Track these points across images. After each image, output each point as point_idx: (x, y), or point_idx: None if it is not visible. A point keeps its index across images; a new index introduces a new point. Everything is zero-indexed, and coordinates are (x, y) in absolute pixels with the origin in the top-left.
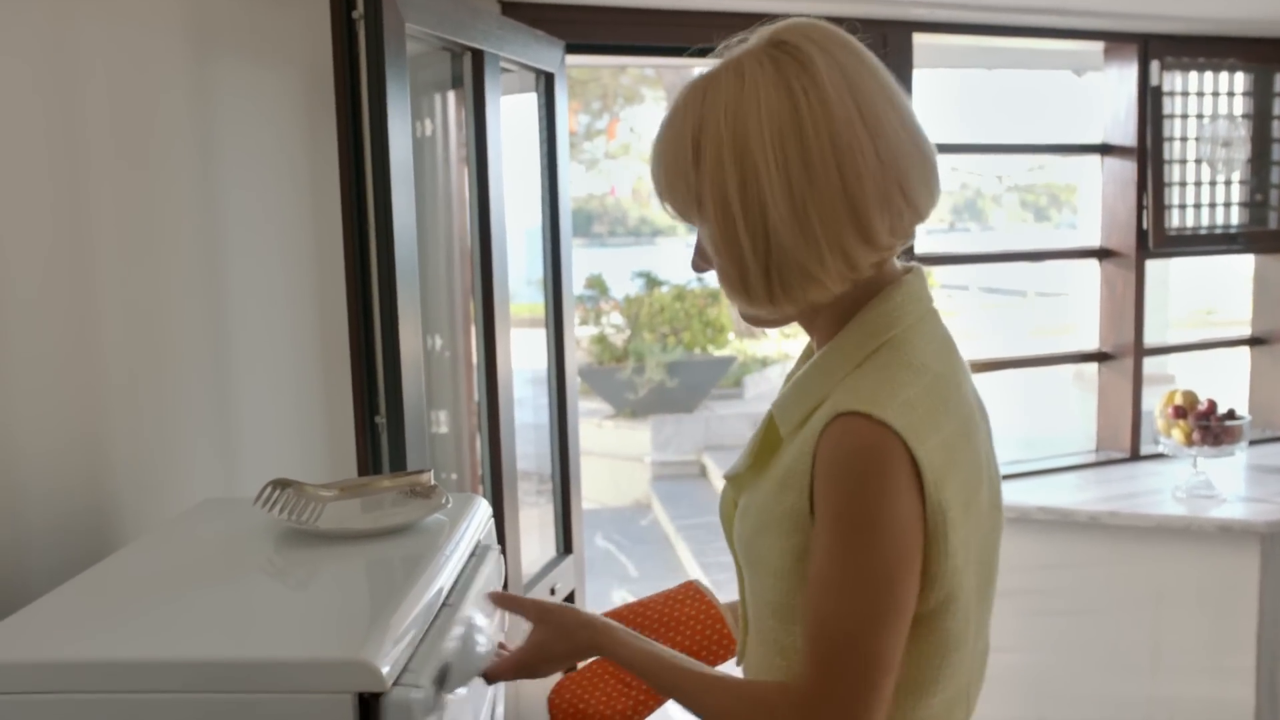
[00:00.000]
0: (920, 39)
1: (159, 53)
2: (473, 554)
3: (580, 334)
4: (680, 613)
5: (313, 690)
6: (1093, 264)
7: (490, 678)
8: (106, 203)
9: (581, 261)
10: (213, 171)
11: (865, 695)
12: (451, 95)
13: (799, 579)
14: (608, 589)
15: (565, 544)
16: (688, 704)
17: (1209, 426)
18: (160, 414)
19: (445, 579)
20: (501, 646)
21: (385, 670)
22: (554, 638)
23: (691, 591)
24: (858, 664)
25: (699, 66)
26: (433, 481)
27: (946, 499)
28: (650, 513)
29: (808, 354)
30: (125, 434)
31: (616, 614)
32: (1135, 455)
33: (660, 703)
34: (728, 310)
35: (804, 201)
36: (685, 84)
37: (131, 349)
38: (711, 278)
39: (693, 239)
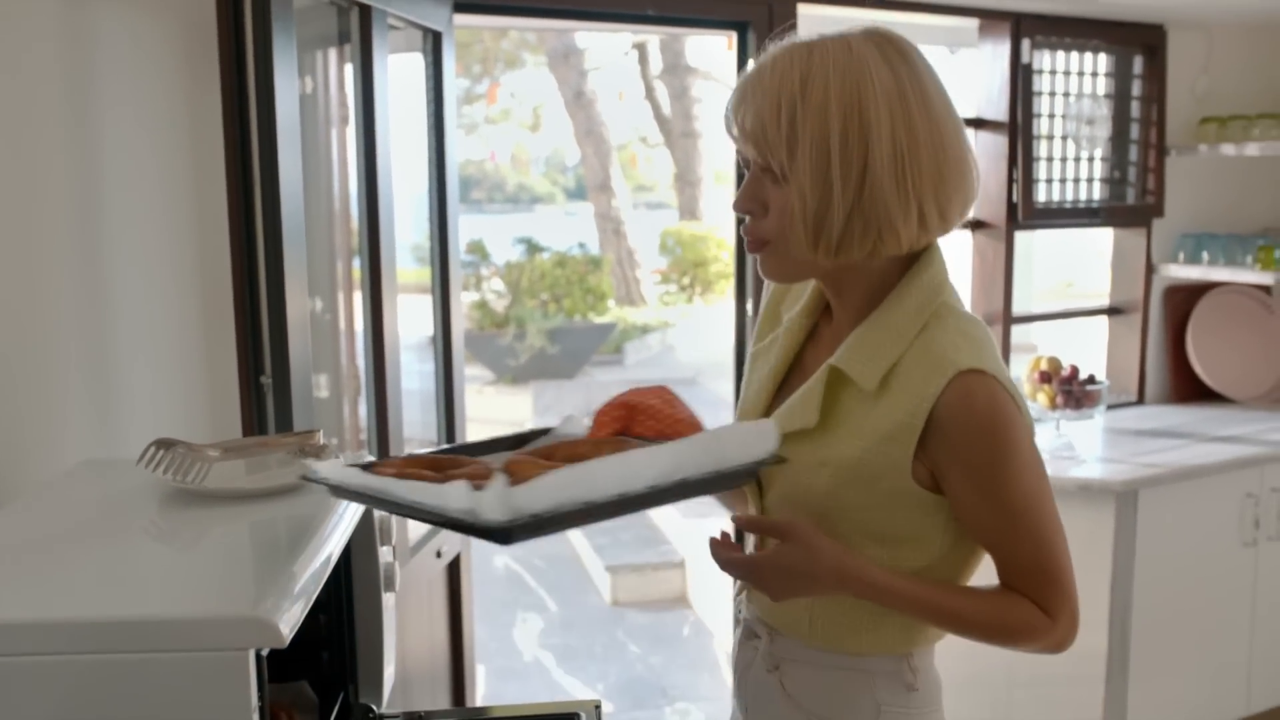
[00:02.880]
0: (803, 10)
1: (30, 2)
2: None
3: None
4: (678, 410)
5: (210, 648)
6: (963, 235)
7: (721, 560)
8: None
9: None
10: (87, 123)
11: (1072, 581)
12: (333, 53)
13: (885, 513)
14: (489, 554)
15: None
16: (953, 627)
17: (1071, 391)
18: (33, 374)
19: (339, 537)
20: (725, 536)
21: (285, 629)
22: (794, 549)
23: (673, 394)
24: (1064, 562)
25: (583, 30)
26: (323, 441)
27: (1033, 423)
28: None
29: (809, 313)
30: None
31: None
32: None
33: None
34: (610, 270)
35: (904, 161)
36: (783, 45)
37: (0, 305)
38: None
39: (572, 206)
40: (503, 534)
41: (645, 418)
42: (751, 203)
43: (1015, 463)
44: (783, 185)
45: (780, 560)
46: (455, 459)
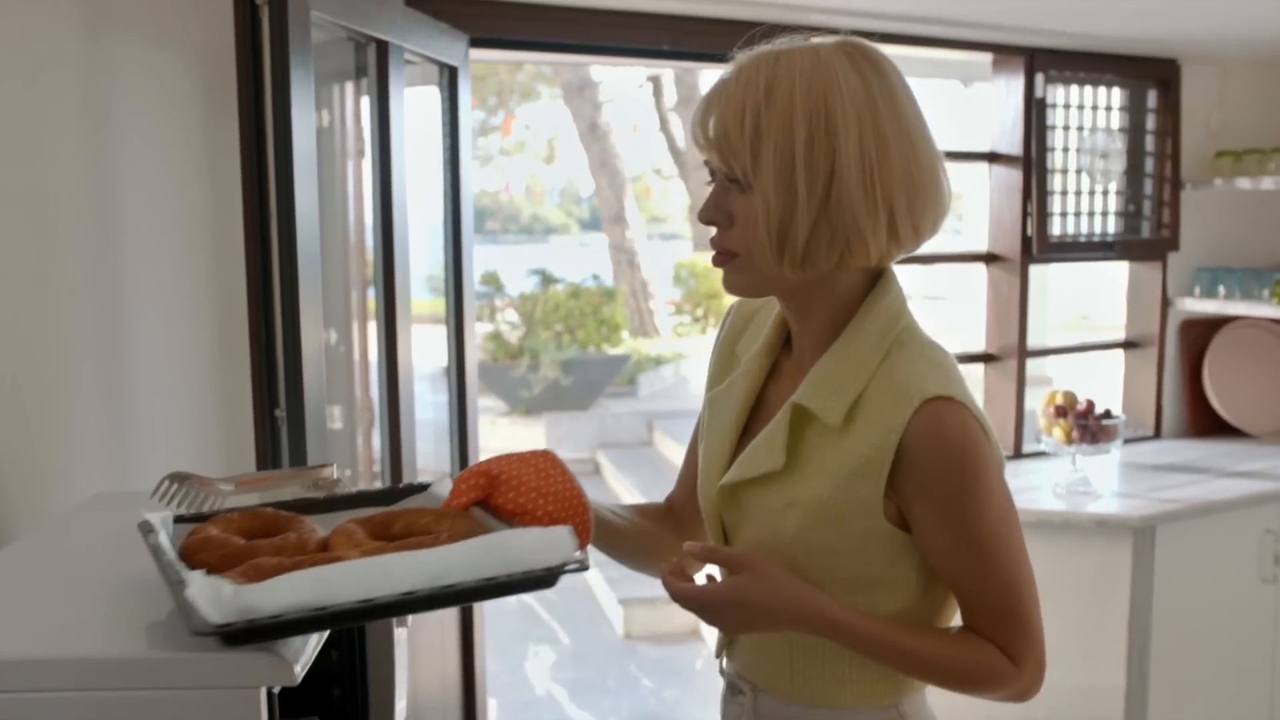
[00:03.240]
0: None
1: (50, 32)
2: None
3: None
4: (555, 488)
5: (222, 686)
6: (975, 269)
7: (673, 591)
8: None
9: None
10: (105, 156)
11: (1039, 622)
12: (349, 87)
13: (857, 556)
14: None
15: None
16: (915, 671)
17: (1087, 425)
18: (47, 407)
19: None
20: (677, 566)
21: (297, 667)
22: (752, 582)
23: (565, 476)
24: (1030, 605)
25: (598, 64)
26: (336, 475)
27: (1001, 453)
28: None
29: (767, 352)
30: (10, 426)
31: (480, 473)
32: (1018, 453)
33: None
34: (624, 301)
35: (873, 168)
36: (751, 53)
37: (16, 339)
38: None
39: (586, 237)
40: (225, 637)
41: (507, 489)
42: (717, 213)
43: (984, 495)
44: (748, 194)
45: (736, 593)
46: (291, 518)
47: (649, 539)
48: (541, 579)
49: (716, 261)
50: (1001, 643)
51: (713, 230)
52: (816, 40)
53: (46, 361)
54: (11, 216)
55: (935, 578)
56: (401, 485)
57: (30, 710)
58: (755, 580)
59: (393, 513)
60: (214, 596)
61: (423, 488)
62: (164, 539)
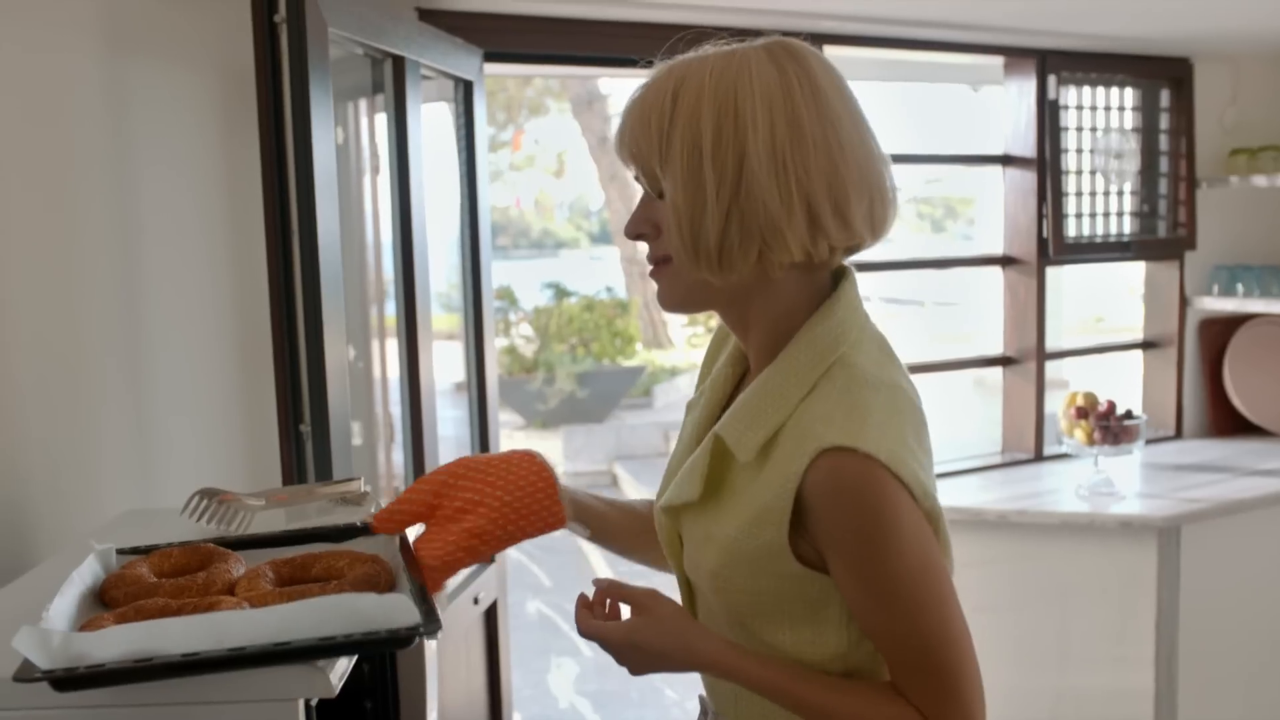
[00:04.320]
0: (829, 51)
1: (71, 52)
2: None
3: None
4: (515, 475)
5: (260, 699)
6: (989, 273)
7: (579, 627)
8: (15, 207)
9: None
10: (128, 175)
11: (969, 679)
12: (363, 104)
13: (780, 595)
14: (522, 600)
15: None
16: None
17: (1109, 426)
18: (76, 424)
19: None
20: (584, 599)
21: (334, 679)
22: (645, 624)
23: (530, 460)
24: (956, 664)
25: (607, 77)
26: (364, 489)
27: (934, 505)
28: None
29: (735, 361)
30: (39, 445)
31: (450, 469)
32: (1039, 456)
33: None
34: (638, 313)
35: (785, 155)
36: (669, 60)
37: (44, 358)
38: (618, 283)
39: (597, 251)
40: (51, 683)
41: (456, 491)
42: (643, 224)
43: (892, 551)
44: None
45: (631, 635)
46: (224, 554)
47: (636, 530)
48: (385, 641)
49: (651, 275)
50: (921, 703)
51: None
52: (742, 45)
53: (73, 380)
54: (37, 236)
55: None
56: (359, 524)
57: None
58: (648, 624)
59: (314, 554)
60: (41, 643)
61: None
62: (81, 572)
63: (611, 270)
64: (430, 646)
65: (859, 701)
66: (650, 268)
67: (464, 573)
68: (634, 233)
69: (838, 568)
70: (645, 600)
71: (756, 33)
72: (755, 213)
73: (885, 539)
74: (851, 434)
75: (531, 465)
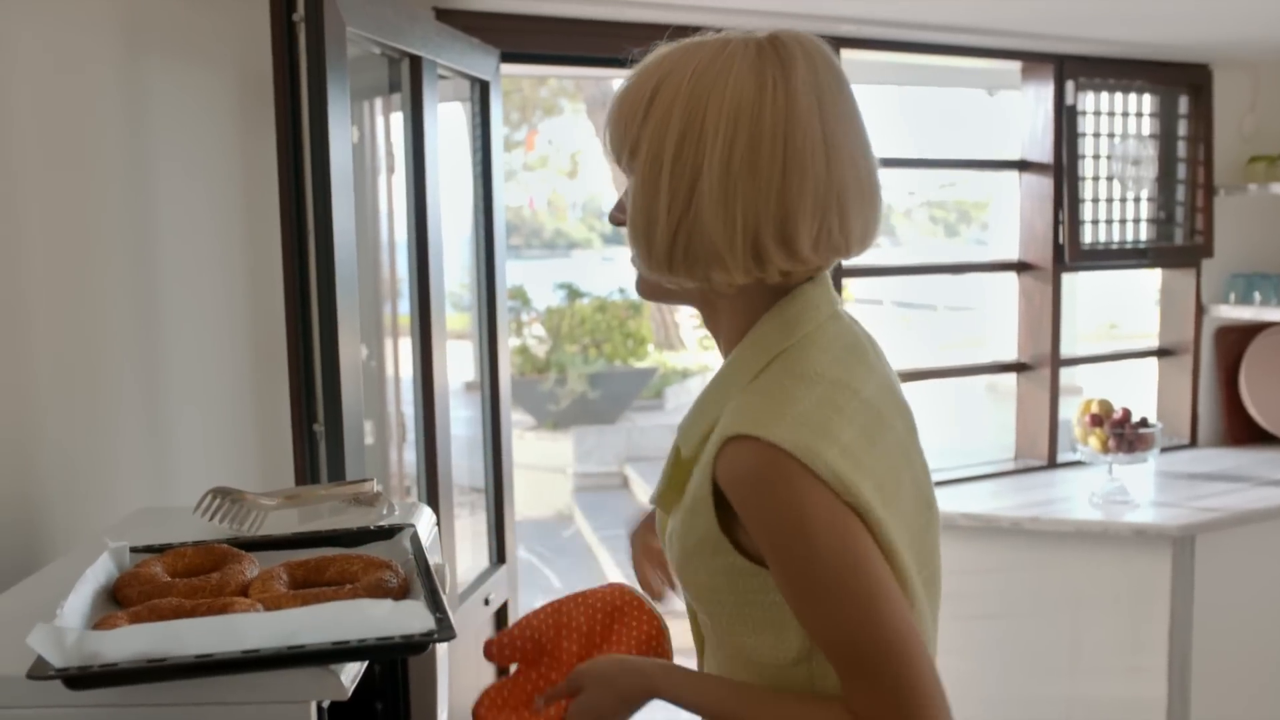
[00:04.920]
0: (846, 55)
1: (90, 52)
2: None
3: None
4: (623, 627)
5: (273, 700)
6: (1003, 278)
7: None
8: (34, 206)
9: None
10: (146, 173)
11: (910, 677)
12: (378, 103)
13: (736, 594)
14: (531, 600)
15: (498, 554)
16: None
17: (1123, 434)
18: (91, 422)
19: None
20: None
21: (346, 681)
22: (599, 694)
23: (626, 597)
24: (892, 663)
25: (622, 78)
26: (377, 489)
27: (863, 501)
28: (572, 524)
29: None
30: (54, 442)
31: (536, 619)
32: (1053, 463)
33: None
34: (650, 314)
35: (736, 182)
36: (672, 44)
37: (59, 355)
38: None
39: (609, 251)
40: (64, 681)
41: (552, 662)
42: (619, 213)
43: (804, 542)
44: None
45: (589, 706)
46: (239, 556)
47: None
48: (398, 646)
49: (632, 260)
50: (852, 701)
51: None
52: (750, 32)
53: (89, 378)
54: (53, 235)
55: None
56: (374, 528)
57: None
58: (593, 692)
59: (329, 557)
60: (55, 641)
61: (390, 533)
62: (95, 570)
63: (623, 271)
64: (441, 648)
65: (788, 711)
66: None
67: (474, 574)
68: (616, 219)
69: (769, 561)
70: (578, 678)
71: None
72: (701, 235)
73: (795, 530)
74: (761, 424)
75: (638, 612)
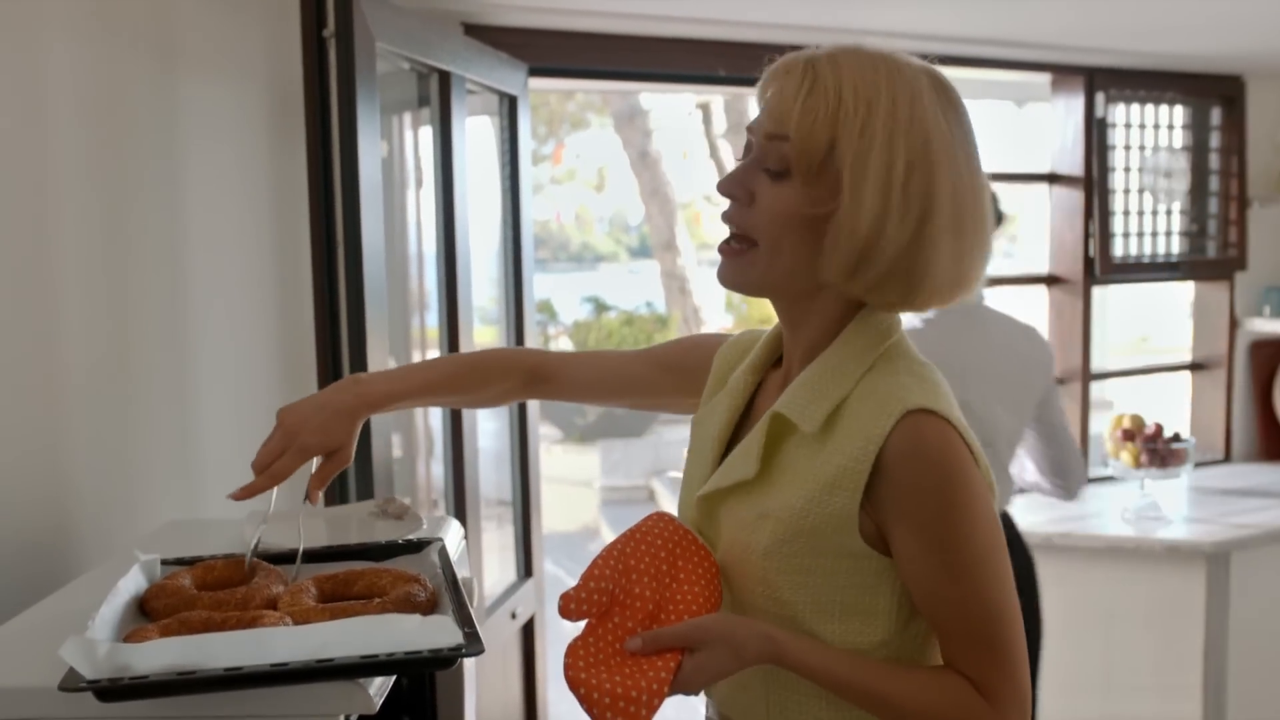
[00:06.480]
0: None
1: (125, 69)
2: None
3: None
4: (686, 562)
5: (301, 714)
6: (1030, 291)
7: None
8: (69, 221)
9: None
10: (178, 188)
11: (1022, 652)
12: (407, 117)
13: (829, 578)
14: (557, 615)
15: (526, 568)
16: (882, 713)
17: (1156, 449)
18: (123, 434)
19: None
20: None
21: (374, 695)
22: (721, 655)
23: (676, 529)
24: (1013, 638)
25: (649, 91)
26: (407, 501)
27: (992, 483)
28: (599, 537)
29: (754, 369)
30: (87, 455)
31: (603, 570)
32: None
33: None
34: (677, 328)
35: (964, 219)
36: (848, 48)
37: (92, 368)
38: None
39: (635, 265)
40: (96, 693)
41: (627, 603)
42: (738, 188)
43: (968, 517)
44: (780, 185)
45: (708, 667)
46: (267, 570)
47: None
48: (427, 661)
49: (729, 251)
50: (978, 678)
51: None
52: (906, 60)
53: (120, 390)
54: (87, 247)
55: (917, 612)
56: (402, 541)
57: None
58: (714, 651)
59: (357, 571)
60: (86, 653)
61: (418, 547)
62: (126, 582)
63: (650, 284)
64: (469, 662)
65: (920, 687)
66: (729, 239)
67: (501, 587)
68: (728, 190)
69: (907, 537)
70: (700, 633)
71: (798, 48)
72: (925, 258)
73: (964, 504)
74: (931, 399)
75: (693, 548)
